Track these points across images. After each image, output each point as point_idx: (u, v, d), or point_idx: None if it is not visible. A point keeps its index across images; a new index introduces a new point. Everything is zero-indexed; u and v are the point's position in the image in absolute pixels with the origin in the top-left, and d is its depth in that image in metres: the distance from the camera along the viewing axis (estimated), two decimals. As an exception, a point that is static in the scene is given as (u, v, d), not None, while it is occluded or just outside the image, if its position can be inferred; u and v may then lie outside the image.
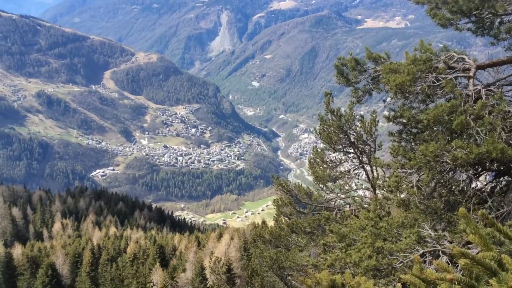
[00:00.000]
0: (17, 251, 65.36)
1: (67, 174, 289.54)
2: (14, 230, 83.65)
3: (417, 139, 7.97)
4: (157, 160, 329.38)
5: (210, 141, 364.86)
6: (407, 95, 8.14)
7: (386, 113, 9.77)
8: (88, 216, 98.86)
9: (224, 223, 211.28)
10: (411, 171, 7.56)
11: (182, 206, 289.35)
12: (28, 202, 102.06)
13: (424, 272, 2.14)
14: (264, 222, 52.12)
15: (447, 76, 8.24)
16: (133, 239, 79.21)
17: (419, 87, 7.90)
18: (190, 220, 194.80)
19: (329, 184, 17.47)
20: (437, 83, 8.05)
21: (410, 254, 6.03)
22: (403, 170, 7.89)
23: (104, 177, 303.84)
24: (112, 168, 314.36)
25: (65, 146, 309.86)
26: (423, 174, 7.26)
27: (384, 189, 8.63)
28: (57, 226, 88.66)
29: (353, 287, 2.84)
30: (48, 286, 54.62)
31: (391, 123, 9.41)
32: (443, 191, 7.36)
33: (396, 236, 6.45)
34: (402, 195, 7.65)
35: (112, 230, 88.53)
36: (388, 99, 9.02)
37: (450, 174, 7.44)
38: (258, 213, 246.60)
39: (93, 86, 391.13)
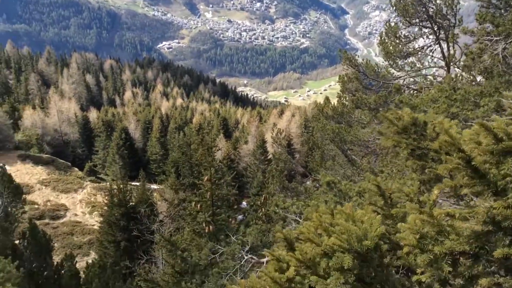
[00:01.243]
0: (93, 115, 70.30)
1: (135, 45, 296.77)
2: (89, 96, 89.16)
3: (509, 4, 7.17)
4: (221, 35, 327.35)
5: (274, 17, 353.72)
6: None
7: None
8: (156, 87, 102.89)
9: (285, 101, 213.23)
10: (498, 38, 6.94)
11: (245, 82, 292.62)
12: (100, 70, 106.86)
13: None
14: (327, 99, 51.91)
15: None
16: (198, 110, 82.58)
17: None
18: (252, 96, 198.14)
19: (399, 61, 16.76)
20: None
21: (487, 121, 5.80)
22: (488, 37, 7.26)
23: (170, 49, 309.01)
24: (177, 41, 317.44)
25: (132, 17, 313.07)
26: (511, 41, 6.68)
27: (466, 58, 8.06)
28: (128, 94, 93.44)
29: (436, 126, 2.81)
30: (122, 147, 59.35)
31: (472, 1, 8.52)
32: (532, 61, 6.82)
33: (472, 105, 6.17)
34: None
35: (179, 101, 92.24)
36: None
37: (543, 44, 6.80)
38: (321, 93, 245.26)
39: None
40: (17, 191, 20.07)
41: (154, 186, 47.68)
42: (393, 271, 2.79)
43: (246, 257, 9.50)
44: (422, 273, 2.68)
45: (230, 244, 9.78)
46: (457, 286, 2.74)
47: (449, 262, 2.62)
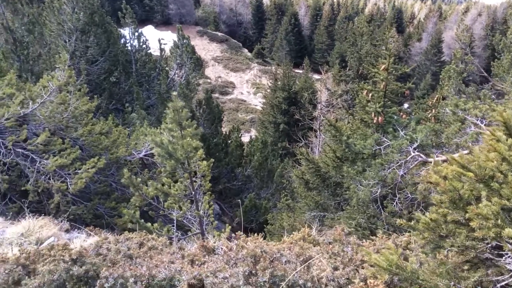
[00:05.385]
0: (266, -3, 70.75)
1: None
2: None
3: None
4: None
5: None
6: None
7: None
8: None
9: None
10: None
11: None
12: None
13: None
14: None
15: None
16: (372, 0, 77.72)
17: None
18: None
19: None
20: None
21: None
22: None
23: None
24: None
25: None
26: None
27: None
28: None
29: None
30: (290, 33, 59.81)
31: None
32: None
33: None
34: None
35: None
36: None
37: None
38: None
39: None
40: (197, 63, 21.85)
41: (316, 76, 47.94)
42: None
43: (413, 154, 9.14)
44: None
45: (397, 138, 9.46)
46: None
47: None
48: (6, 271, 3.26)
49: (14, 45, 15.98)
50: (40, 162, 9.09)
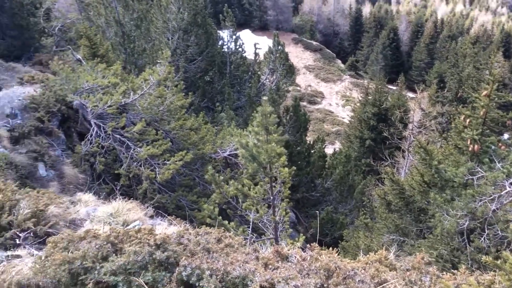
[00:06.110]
0: (366, 9, 69.76)
1: None
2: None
3: None
4: None
5: None
6: None
7: None
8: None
9: None
10: None
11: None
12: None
13: None
14: None
15: None
16: (479, 21, 73.53)
17: None
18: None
19: None
20: None
21: None
22: None
23: None
24: None
25: None
26: None
27: None
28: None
29: None
30: (387, 48, 58.22)
31: None
32: None
33: None
34: None
35: (459, 7, 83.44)
36: None
37: None
38: None
39: None
40: (289, 70, 22.09)
41: (410, 94, 46.18)
42: None
43: (508, 189, 8.48)
44: None
45: (493, 170, 8.84)
46: None
47: None
48: (96, 246, 3.55)
49: (122, 38, 17.18)
50: (134, 149, 9.68)
